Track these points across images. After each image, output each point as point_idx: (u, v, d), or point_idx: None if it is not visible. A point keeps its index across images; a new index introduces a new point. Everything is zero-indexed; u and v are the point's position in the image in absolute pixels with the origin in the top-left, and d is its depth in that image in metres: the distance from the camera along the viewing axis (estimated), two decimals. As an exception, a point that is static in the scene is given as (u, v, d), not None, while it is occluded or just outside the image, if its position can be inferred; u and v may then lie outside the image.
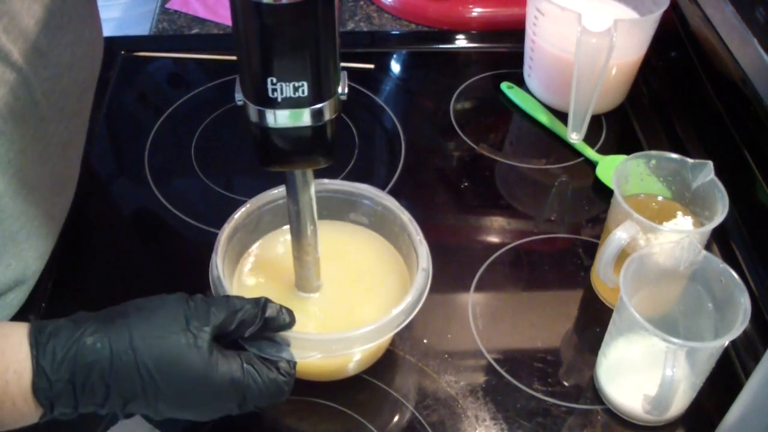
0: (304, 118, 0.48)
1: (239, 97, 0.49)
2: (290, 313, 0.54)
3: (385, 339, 0.59)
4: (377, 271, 0.67)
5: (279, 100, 0.47)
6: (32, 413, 0.46)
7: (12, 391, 0.45)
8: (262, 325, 0.52)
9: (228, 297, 0.53)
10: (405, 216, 0.64)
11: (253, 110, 0.48)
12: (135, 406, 0.48)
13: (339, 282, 0.66)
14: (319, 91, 0.47)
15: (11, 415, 0.46)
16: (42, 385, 0.45)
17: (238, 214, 0.65)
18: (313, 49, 0.45)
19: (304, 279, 0.63)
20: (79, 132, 0.69)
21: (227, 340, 0.52)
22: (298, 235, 0.59)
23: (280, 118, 0.48)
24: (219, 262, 0.61)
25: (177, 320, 0.48)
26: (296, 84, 0.46)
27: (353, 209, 0.69)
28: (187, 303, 0.50)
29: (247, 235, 0.67)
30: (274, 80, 0.46)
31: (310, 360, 0.55)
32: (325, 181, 0.68)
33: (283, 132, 0.49)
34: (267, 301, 0.53)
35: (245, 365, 0.50)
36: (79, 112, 0.67)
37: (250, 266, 0.68)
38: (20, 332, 0.46)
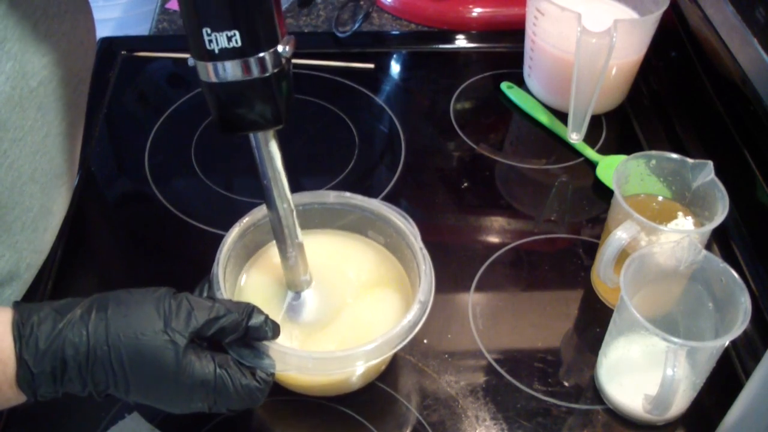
0: (243, 69, 0.49)
1: (191, 60, 0.50)
2: (275, 326, 0.54)
3: (377, 361, 0.58)
4: (379, 290, 0.66)
5: (216, 51, 0.48)
6: (17, 398, 0.49)
7: None
8: (244, 333, 0.53)
9: (214, 301, 0.52)
10: (417, 244, 0.63)
11: (200, 67, 0.50)
12: (110, 393, 0.50)
13: (334, 290, 0.65)
14: (254, 42, 0.49)
15: None
16: (25, 377, 0.47)
17: (255, 211, 0.65)
18: None
19: (292, 273, 0.62)
20: (77, 125, 0.69)
21: (209, 340, 0.52)
22: (273, 217, 0.58)
23: (220, 71, 0.49)
24: (222, 258, 0.60)
25: (156, 320, 0.49)
26: (229, 33, 0.48)
27: (372, 227, 0.68)
28: (170, 303, 0.50)
29: (265, 234, 0.66)
30: (209, 30, 0.48)
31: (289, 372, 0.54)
32: (347, 194, 0.67)
33: (228, 88, 0.50)
34: (254, 309, 0.53)
35: (218, 370, 0.51)
36: (77, 103, 0.67)
37: (259, 266, 0.67)
38: (4, 321, 0.48)
